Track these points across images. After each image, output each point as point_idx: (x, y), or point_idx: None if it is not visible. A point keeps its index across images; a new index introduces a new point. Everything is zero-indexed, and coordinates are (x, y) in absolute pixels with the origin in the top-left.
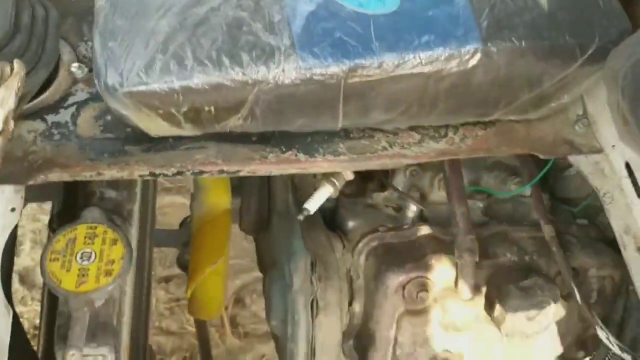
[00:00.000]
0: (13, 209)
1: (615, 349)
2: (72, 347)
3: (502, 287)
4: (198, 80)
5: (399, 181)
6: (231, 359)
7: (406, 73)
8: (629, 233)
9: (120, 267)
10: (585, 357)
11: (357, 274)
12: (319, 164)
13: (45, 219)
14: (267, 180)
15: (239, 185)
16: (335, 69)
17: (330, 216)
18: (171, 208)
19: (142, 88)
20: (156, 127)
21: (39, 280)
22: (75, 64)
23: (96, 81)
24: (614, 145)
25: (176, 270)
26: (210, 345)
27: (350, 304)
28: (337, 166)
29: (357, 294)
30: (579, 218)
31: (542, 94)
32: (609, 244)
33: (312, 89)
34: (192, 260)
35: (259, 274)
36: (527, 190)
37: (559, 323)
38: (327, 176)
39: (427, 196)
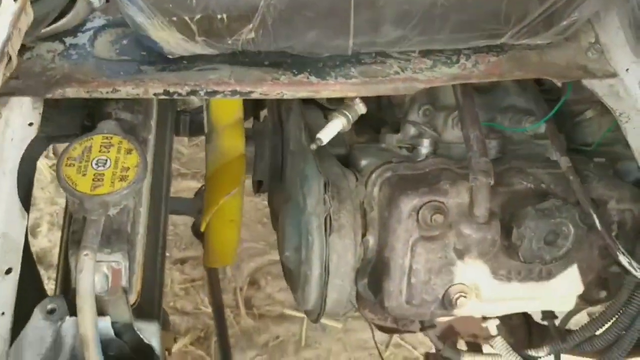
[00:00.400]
0: (31, 124)
1: (638, 274)
2: (86, 247)
3: (519, 210)
4: None
5: (410, 124)
6: (245, 339)
7: None
8: None
9: (135, 174)
10: (606, 297)
11: (371, 205)
12: (330, 87)
13: (63, 202)
14: (280, 126)
15: (253, 134)
16: None
17: (343, 162)
18: (187, 193)
19: None
20: (171, 39)
21: (56, 261)
22: None
23: None
24: (627, 69)
25: (191, 252)
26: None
27: (363, 235)
28: (349, 89)
29: (371, 226)
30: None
31: (552, 10)
32: None
33: None
34: (208, 194)
35: (272, 257)
36: (542, 130)
37: (579, 258)
38: (340, 109)
39: (440, 135)
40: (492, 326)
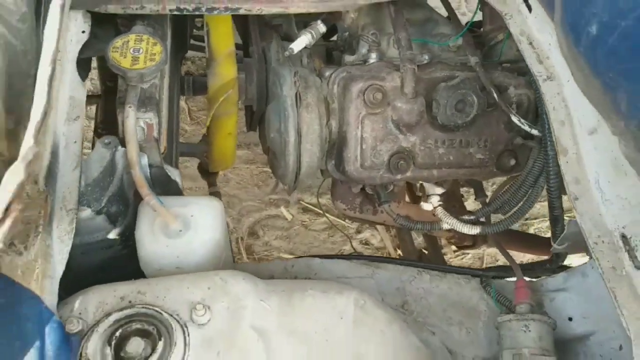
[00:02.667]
0: (83, 31)
1: (525, 127)
2: (129, 103)
3: (436, 87)
4: None
5: (364, 43)
6: None
7: None
8: (524, 35)
9: (160, 57)
10: (516, 165)
11: (332, 99)
12: (296, 4)
13: None
14: (264, 57)
15: (243, 65)
16: None
17: None
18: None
19: None
20: None
21: None
22: None
23: None
24: None
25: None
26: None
27: (327, 121)
28: (310, 6)
29: (333, 114)
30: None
31: None
32: None
33: None
34: (209, 104)
35: (268, 212)
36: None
37: (488, 130)
38: (306, 29)
39: (385, 53)
40: (434, 201)
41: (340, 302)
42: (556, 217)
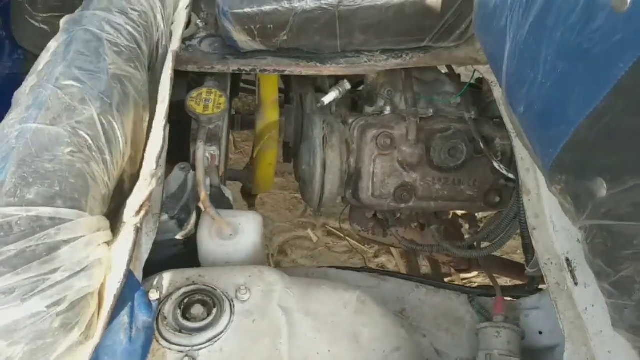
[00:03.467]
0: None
1: (503, 171)
2: (200, 139)
3: (434, 136)
4: (267, 7)
5: (381, 98)
6: None
7: (367, 5)
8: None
9: (224, 106)
10: (500, 202)
11: (352, 140)
12: (327, 69)
13: None
14: (301, 104)
15: (284, 110)
16: (332, 1)
17: None
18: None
19: (238, 10)
20: (242, 40)
21: None
22: (199, 20)
23: (217, 10)
24: None
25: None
26: None
27: (347, 158)
28: (338, 70)
29: (352, 153)
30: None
31: (448, 24)
32: None
33: (321, 13)
34: (255, 140)
35: (297, 233)
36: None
37: (476, 173)
38: (335, 86)
39: (397, 106)
40: (434, 229)
41: (346, 296)
42: (527, 245)
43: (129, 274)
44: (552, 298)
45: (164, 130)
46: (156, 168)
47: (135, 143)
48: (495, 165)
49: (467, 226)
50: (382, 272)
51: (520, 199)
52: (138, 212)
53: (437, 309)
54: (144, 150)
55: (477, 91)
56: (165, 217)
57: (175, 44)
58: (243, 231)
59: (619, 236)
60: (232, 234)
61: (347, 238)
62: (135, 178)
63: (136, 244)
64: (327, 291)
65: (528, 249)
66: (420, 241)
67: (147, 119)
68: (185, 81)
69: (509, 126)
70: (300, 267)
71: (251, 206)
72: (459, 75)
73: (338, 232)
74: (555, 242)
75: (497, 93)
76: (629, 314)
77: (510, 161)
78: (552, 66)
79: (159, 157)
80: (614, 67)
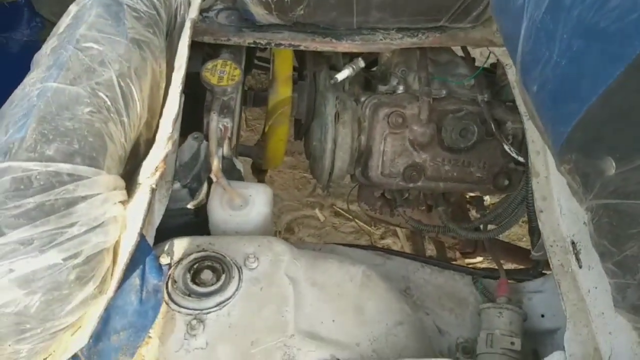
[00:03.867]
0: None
1: (513, 154)
2: (214, 110)
3: (446, 117)
4: None
5: (395, 77)
6: None
7: None
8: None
9: (239, 78)
10: (510, 185)
11: (364, 118)
12: (343, 45)
13: None
14: (314, 81)
15: (297, 86)
16: None
17: None
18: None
19: None
20: (259, 13)
21: None
22: None
23: None
24: None
25: None
26: None
27: (358, 136)
28: (353, 47)
29: (363, 131)
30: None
31: (465, 4)
32: None
33: None
34: (268, 115)
35: (304, 212)
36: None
37: (486, 155)
38: (349, 63)
39: (410, 86)
40: (441, 211)
41: (352, 270)
42: (533, 228)
43: (141, 238)
44: (555, 280)
45: (180, 97)
46: (172, 131)
47: (151, 108)
48: (506, 148)
49: (474, 211)
50: (388, 251)
51: (529, 181)
52: (154, 174)
53: (441, 288)
54: (160, 116)
55: (491, 75)
56: (177, 185)
57: (193, 12)
58: (253, 202)
59: (625, 215)
60: (243, 205)
61: (354, 219)
62: (150, 142)
63: (149, 208)
64: (333, 264)
65: (534, 232)
66: (427, 222)
67: (164, 85)
68: (200, 53)
69: (522, 108)
70: (307, 243)
71: (261, 182)
72: (473, 59)
73: (345, 213)
74: (562, 225)
75: (511, 75)
76: (632, 293)
77: (521, 145)
78: (568, 45)
79: (175, 122)
80: (628, 45)
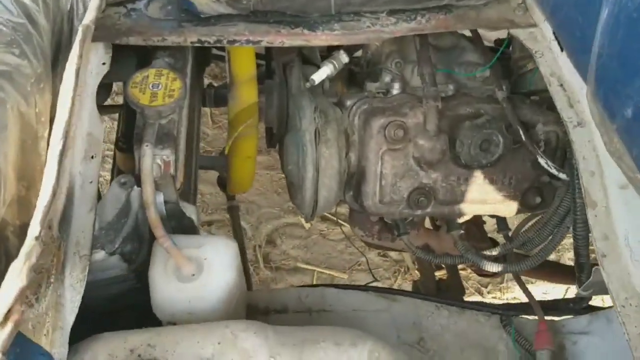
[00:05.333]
0: (104, 63)
1: (553, 171)
2: (147, 141)
3: (460, 125)
4: None
5: (387, 72)
6: (264, 287)
7: None
8: (554, 76)
9: (179, 94)
10: (542, 204)
11: (352, 130)
12: (318, 37)
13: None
14: (285, 81)
15: (264, 88)
16: None
17: None
18: None
19: None
20: (202, 2)
21: None
22: None
23: None
24: (544, 20)
25: (216, 216)
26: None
27: (347, 154)
28: (333, 39)
29: (352, 146)
30: None
31: None
32: None
33: None
34: (230, 129)
35: (287, 220)
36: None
37: (513, 168)
38: (329, 59)
39: (408, 82)
40: (456, 235)
41: (353, 356)
42: (582, 265)
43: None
44: (634, 357)
45: (59, 163)
46: (41, 231)
47: (25, 174)
48: (542, 162)
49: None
50: (394, 291)
51: (578, 208)
52: (3, 323)
53: (463, 337)
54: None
55: (505, 58)
56: (101, 254)
57: (89, 15)
58: (210, 268)
59: None
60: (195, 274)
61: (342, 226)
62: (25, 229)
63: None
64: (327, 352)
65: (583, 269)
66: (437, 244)
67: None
68: (133, 54)
69: (566, 113)
70: (289, 289)
71: (230, 199)
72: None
73: (333, 217)
74: (635, 275)
75: (546, 65)
76: None
77: (555, 152)
78: None
79: (47, 214)
80: None
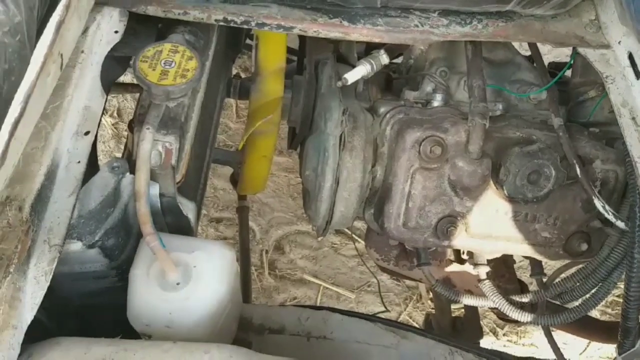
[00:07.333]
0: (116, 32)
1: (610, 217)
2: (148, 123)
3: (508, 150)
4: None
5: (430, 81)
6: (265, 295)
7: None
8: (626, 106)
9: (193, 75)
10: (587, 252)
11: (383, 141)
12: (359, 31)
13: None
14: (315, 79)
15: (292, 84)
16: None
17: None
18: None
19: None
20: None
21: None
22: None
23: None
24: (619, 42)
25: (226, 214)
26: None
27: (373, 166)
28: (374, 35)
29: (380, 159)
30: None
31: None
32: None
33: None
34: (248, 122)
35: (299, 228)
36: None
37: (561, 207)
38: (366, 58)
39: (452, 95)
40: (482, 272)
41: None
42: (629, 329)
43: None
44: None
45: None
46: None
47: None
48: (598, 205)
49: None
50: (404, 327)
51: (635, 265)
52: None
53: None
54: None
55: (562, 82)
56: (77, 245)
57: None
58: (198, 279)
59: None
60: (181, 282)
61: (356, 242)
62: None
63: None
64: None
65: (629, 333)
66: (459, 280)
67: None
68: (154, 27)
69: (636, 151)
70: (289, 307)
71: (242, 198)
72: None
73: (348, 232)
74: None
75: (616, 94)
76: None
77: (611, 195)
78: None
79: None
80: None
